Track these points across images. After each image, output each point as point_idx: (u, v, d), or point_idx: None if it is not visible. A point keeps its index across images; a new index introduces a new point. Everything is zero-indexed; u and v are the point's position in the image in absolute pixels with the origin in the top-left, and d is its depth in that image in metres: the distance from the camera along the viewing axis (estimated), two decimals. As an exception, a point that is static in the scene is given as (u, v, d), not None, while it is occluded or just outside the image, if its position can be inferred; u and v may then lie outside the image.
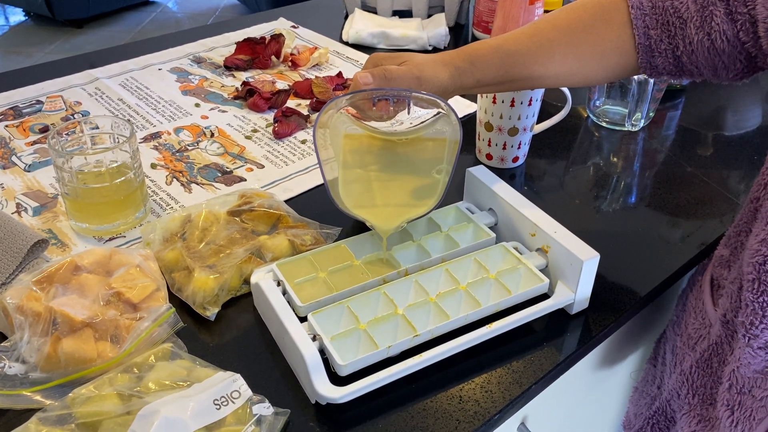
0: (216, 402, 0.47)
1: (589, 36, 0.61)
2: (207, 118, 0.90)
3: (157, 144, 0.84)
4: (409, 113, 0.62)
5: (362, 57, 1.09)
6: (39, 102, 0.92)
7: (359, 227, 0.69)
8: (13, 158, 0.80)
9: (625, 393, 0.90)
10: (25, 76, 0.99)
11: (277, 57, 1.05)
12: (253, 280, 0.58)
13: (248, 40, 1.04)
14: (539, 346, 0.58)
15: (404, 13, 1.19)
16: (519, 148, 0.80)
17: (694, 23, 0.57)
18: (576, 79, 0.63)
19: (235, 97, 0.95)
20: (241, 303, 0.61)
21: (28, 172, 0.78)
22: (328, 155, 0.62)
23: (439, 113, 0.62)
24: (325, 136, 0.62)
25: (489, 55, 0.62)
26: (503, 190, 0.65)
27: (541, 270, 0.60)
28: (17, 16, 3.69)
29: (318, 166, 0.69)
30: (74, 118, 0.89)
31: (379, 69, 0.60)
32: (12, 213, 0.71)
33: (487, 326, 0.56)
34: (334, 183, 0.62)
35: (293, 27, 1.19)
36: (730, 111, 0.99)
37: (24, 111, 0.90)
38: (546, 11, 1.01)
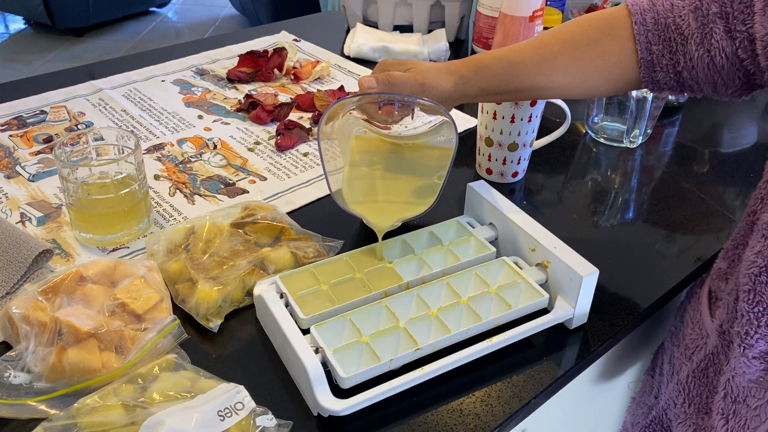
0: (220, 413, 0.48)
1: (593, 50, 0.62)
2: (210, 130, 0.91)
3: (160, 155, 0.85)
4: (412, 118, 0.63)
5: (363, 71, 1.10)
6: (43, 112, 0.93)
7: (362, 240, 0.70)
8: (17, 168, 0.81)
9: (623, 404, 0.91)
10: (29, 86, 0.99)
11: (280, 70, 1.06)
12: (256, 292, 0.59)
13: (251, 53, 1.05)
14: (539, 360, 0.58)
15: (405, 28, 1.20)
16: (518, 163, 0.81)
17: (694, 40, 0.58)
18: (578, 91, 0.65)
19: (238, 110, 0.96)
20: (244, 315, 0.61)
21: (33, 181, 0.78)
22: (333, 154, 0.63)
23: (443, 121, 0.63)
24: (333, 146, 0.63)
25: (494, 65, 0.63)
26: (503, 204, 0.66)
27: (540, 285, 0.61)
28: (17, 24, 3.70)
29: (321, 163, 0.71)
30: (78, 128, 0.89)
31: (384, 74, 0.61)
32: (16, 222, 0.71)
33: (487, 340, 0.56)
34: (336, 181, 0.63)
35: (295, 41, 1.20)
36: (727, 128, 1.00)
37: (28, 121, 0.91)
38: (545, 28, 1.03)
